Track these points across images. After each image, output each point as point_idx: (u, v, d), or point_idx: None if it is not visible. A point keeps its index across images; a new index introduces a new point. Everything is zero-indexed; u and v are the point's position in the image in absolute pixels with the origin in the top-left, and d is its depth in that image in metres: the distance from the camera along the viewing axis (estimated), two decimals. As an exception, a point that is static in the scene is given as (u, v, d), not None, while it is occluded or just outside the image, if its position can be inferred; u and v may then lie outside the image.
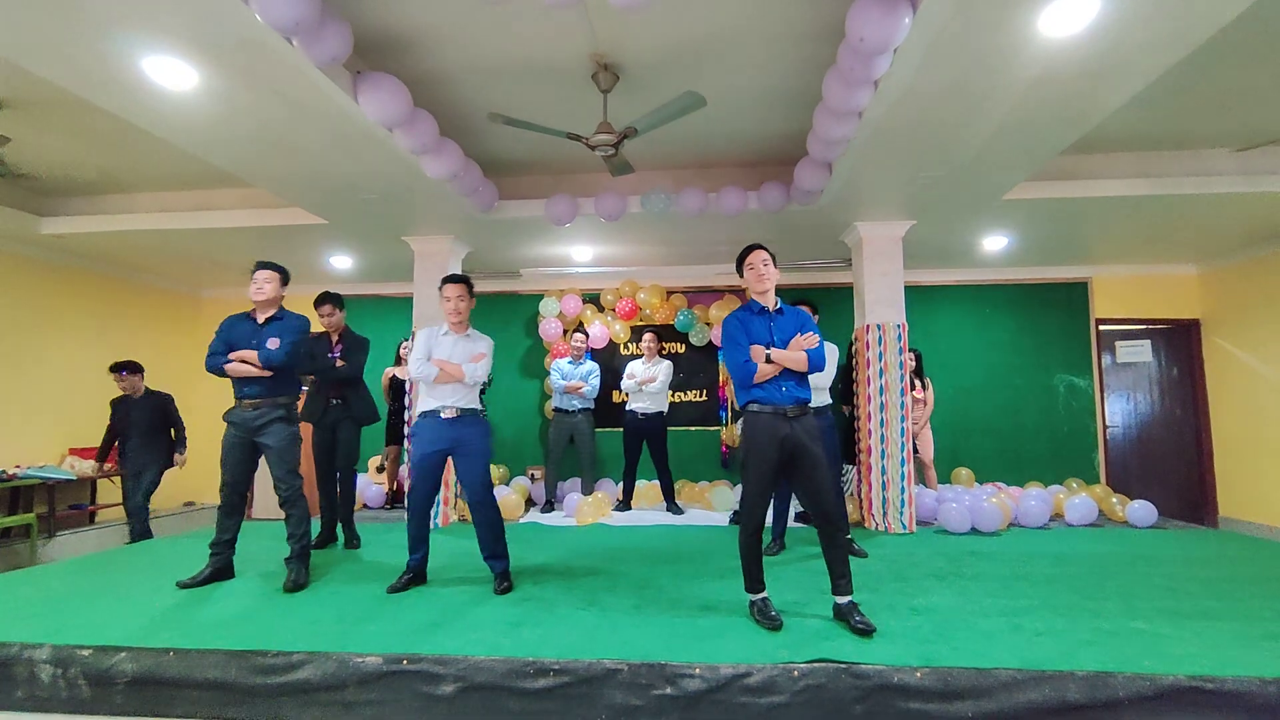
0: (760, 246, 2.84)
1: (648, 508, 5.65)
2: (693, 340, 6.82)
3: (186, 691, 2.27)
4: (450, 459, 3.26)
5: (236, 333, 3.29)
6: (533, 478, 6.53)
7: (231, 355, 3.22)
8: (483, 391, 5.78)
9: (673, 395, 6.50)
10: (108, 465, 5.37)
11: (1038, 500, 4.95)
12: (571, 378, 5.70)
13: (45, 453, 5.77)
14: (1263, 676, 2.07)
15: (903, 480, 4.73)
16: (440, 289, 3.34)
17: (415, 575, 3.22)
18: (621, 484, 5.70)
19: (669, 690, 2.14)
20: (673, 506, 5.47)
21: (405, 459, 5.16)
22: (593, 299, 6.92)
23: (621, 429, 5.71)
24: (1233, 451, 6.20)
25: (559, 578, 3.37)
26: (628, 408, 5.52)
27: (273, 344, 3.24)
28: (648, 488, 5.81)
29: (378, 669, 2.23)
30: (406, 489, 3.45)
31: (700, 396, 6.87)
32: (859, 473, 4.97)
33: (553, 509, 5.64)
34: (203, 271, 6.81)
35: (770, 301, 2.82)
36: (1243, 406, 6.08)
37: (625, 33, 3.17)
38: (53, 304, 5.95)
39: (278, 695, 2.25)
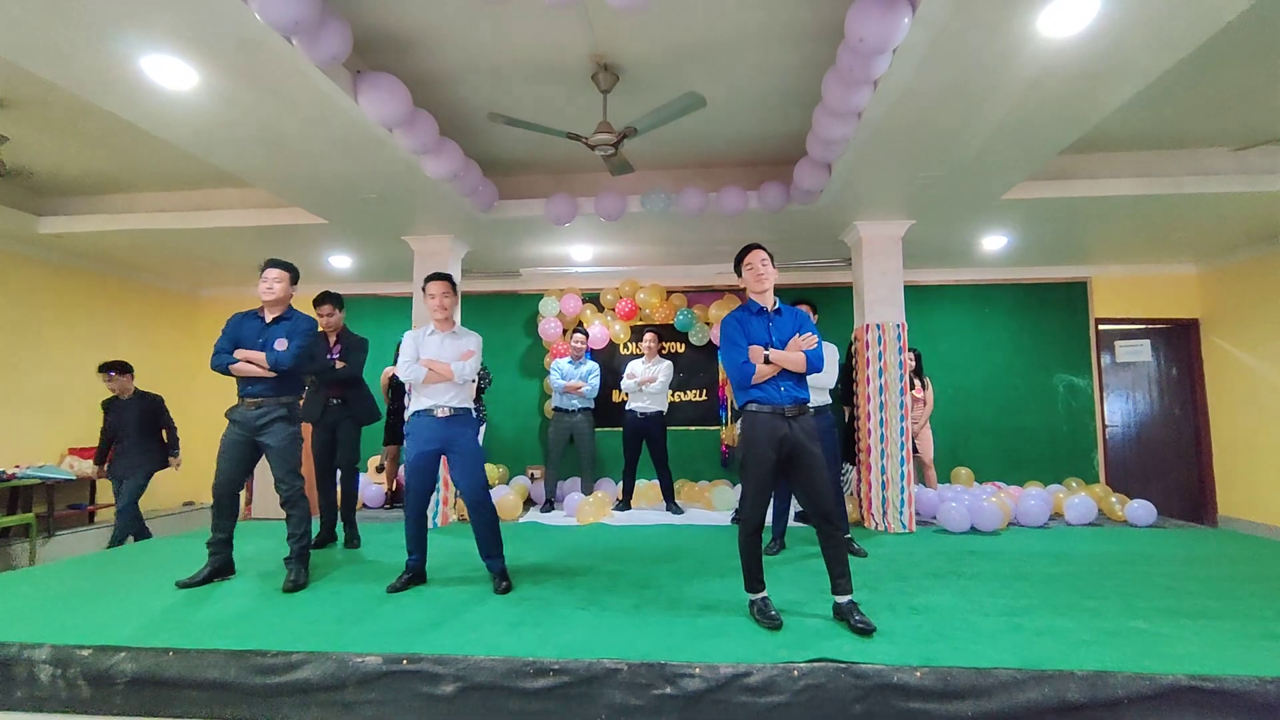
0: (758, 246, 2.84)
1: (647, 507, 5.65)
2: (692, 340, 6.82)
3: (186, 691, 2.27)
4: (445, 458, 3.26)
5: (243, 331, 3.28)
6: (532, 477, 6.53)
7: (238, 355, 3.20)
8: (482, 390, 5.80)
9: (672, 395, 6.51)
10: (103, 470, 5.24)
11: (1037, 500, 4.95)
12: (571, 377, 5.70)
13: (44, 452, 5.77)
14: (1262, 676, 2.07)
15: (902, 480, 4.74)
16: (424, 288, 3.33)
17: (414, 575, 3.22)
18: (621, 483, 5.70)
19: (669, 690, 2.14)
20: (672, 506, 5.47)
21: (404, 458, 5.16)
22: (592, 299, 6.92)
23: (621, 428, 5.71)
24: (1232, 451, 6.21)
25: (559, 577, 3.37)
26: (627, 407, 5.52)
27: (280, 345, 3.23)
28: (647, 487, 5.81)
29: (377, 669, 2.23)
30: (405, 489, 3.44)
31: (700, 396, 6.87)
32: (859, 472, 4.97)
33: (552, 508, 5.63)
34: (202, 271, 6.81)
35: (769, 302, 2.82)
36: (1242, 406, 6.09)
37: (625, 33, 3.17)
38: (52, 303, 5.94)
39: (277, 695, 2.25)
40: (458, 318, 3.58)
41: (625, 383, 5.54)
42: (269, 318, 3.32)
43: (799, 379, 2.73)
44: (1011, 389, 6.62)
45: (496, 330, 6.97)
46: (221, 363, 3.21)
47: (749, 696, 2.12)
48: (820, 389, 3.79)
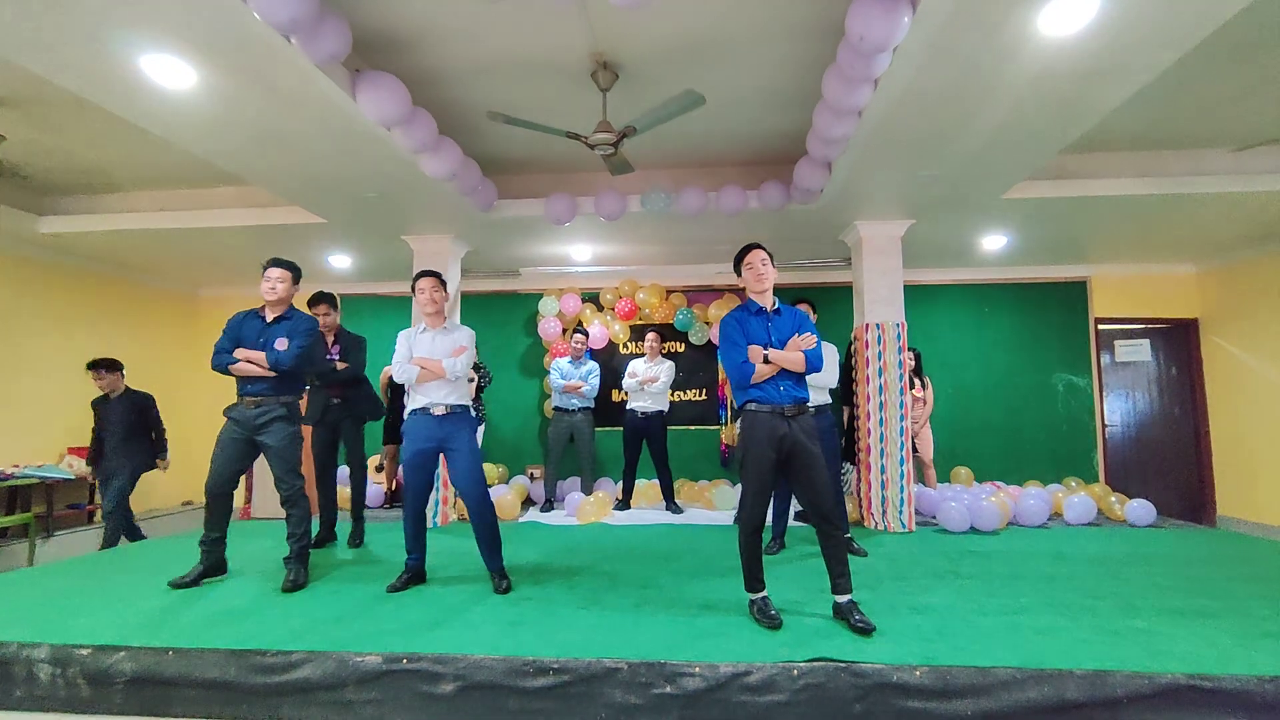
0: (758, 246, 2.84)
1: (647, 507, 5.66)
2: (692, 339, 6.82)
3: (185, 691, 2.27)
4: (444, 457, 3.25)
5: (244, 331, 3.27)
6: (532, 477, 6.53)
7: (238, 354, 3.19)
8: (482, 389, 5.80)
9: (672, 394, 6.50)
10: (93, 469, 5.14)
11: (1037, 499, 4.96)
12: (571, 377, 5.70)
13: (43, 452, 5.76)
14: (1260, 675, 2.08)
15: (902, 479, 4.74)
16: (413, 285, 3.33)
17: (414, 574, 3.22)
18: (621, 483, 5.70)
19: (669, 689, 2.14)
20: (672, 506, 5.48)
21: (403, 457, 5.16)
22: (592, 298, 6.92)
23: (621, 428, 5.71)
24: (1231, 450, 6.21)
25: (559, 577, 3.37)
26: (628, 406, 5.52)
27: (281, 344, 3.22)
28: (647, 487, 5.81)
29: (377, 668, 2.23)
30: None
31: (699, 395, 6.87)
32: (858, 472, 4.97)
33: (552, 508, 5.64)
34: (201, 270, 6.80)
35: (768, 301, 2.82)
36: (1241, 406, 6.09)
37: (624, 31, 3.17)
38: (51, 303, 5.94)
39: (277, 694, 2.25)
40: (456, 316, 3.58)
41: (627, 381, 5.53)
42: (270, 317, 3.31)
43: (798, 378, 2.73)
44: (1011, 388, 6.62)
45: (496, 330, 6.97)
46: (222, 362, 3.20)
47: (749, 695, 2.12)
48: (820, 388, 3.79)
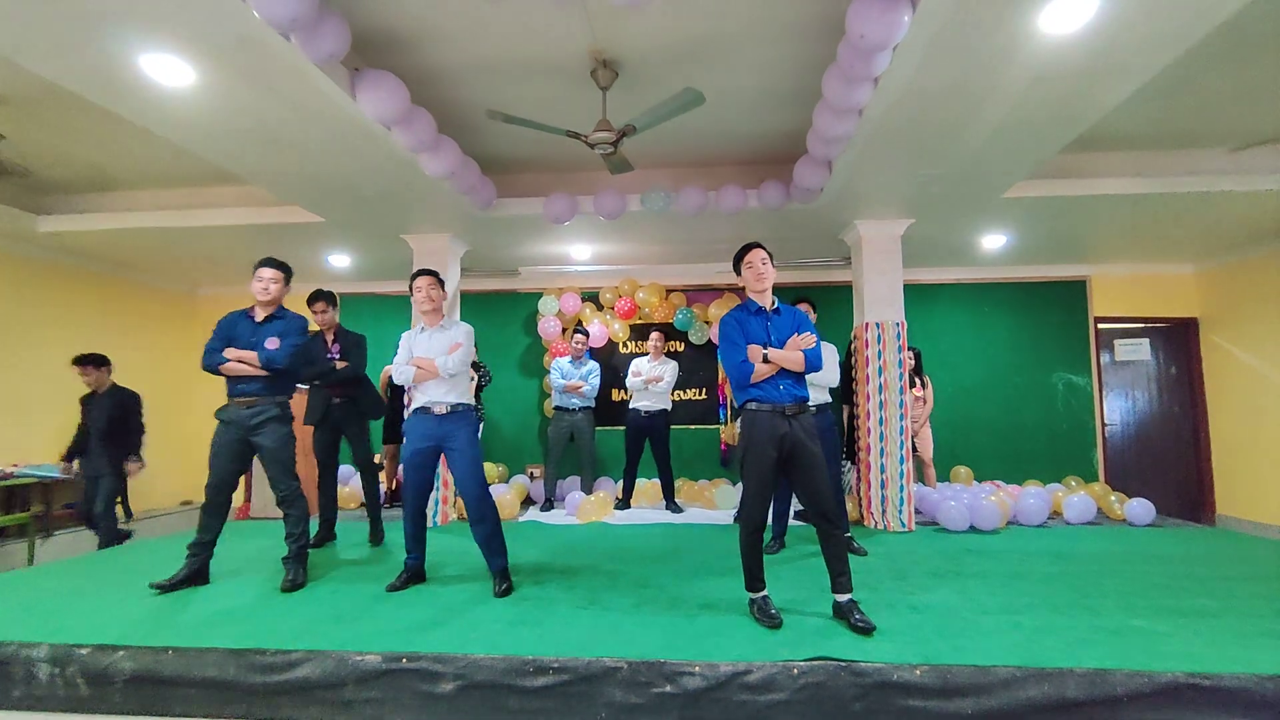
0: (758, 245, 2.84)
1: (647, 506, 5.65)
2: (692, 339, 6.82)
3: (185, 690, 2.27)
4: (445, 457, 3.25)
5: (236, 331, 3.26)
6: (531, 476, 6.53)
7: (228, 354, 3.18)
8: (481, 388, 5.80)
9: (672, 394, 6.49)
10: (74, 467, 4.98)
11: (1036, 498, 4.96)
12: (572, 377, 5.70)
13: (42, 452, 5.75)
14: (1260, 674, 2.08)
15: (902, 478, 4.74)
16: (410, 284, 3.34)
17: (413, 574, 3.22)
18: (621, 482, 5.70)
19: (669, 688, 2.14)
20: (672, 505, 5.47)
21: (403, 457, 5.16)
22: (591, 297, 6.92)
23: (621, 427, 5.70)
24: (1230, 449, 6.21)
25: (559, 576, 3.37)
26: (631, 405, 5.52)
27: (271, 344, 3.21)
28: (647, 486, 5.81)
29: (377, 667, 2.23)
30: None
31: (699, 395, 6.87)
32: (858, 471, 4.97)
33: (552, 507, 5.63)
34: (200, 270, 6.80)
35: (767, 301, 2.82)
36: (1240, 405, 6.09)
37: (624, 30, 3.17)
38: (50, 302, 5.93)
39: (276, 694, 2.24)
40: (456, 314, 3.58)
41: (631, 380, 5.53)
42: (260, 317, 3.30)
43: (798, 377, 2.73)
44: (1011, 388, 6.62)
45: (496, 329, 6.96)
46: (213, 362, 3.18)
47: (749, 694, 2.12)
48: (820, 387, 3.79)
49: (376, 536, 4.22)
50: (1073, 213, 5.00)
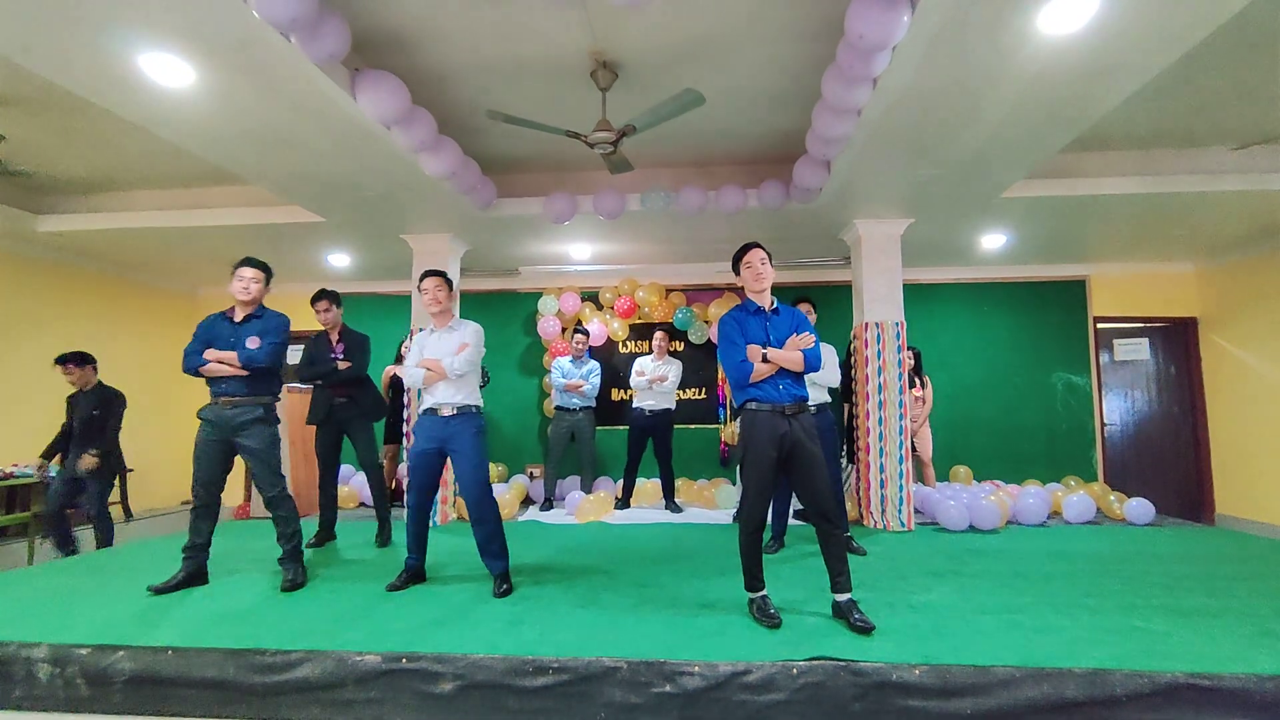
0: (757, 245, 2.84)
1: (647, 506, 5.65)
2: (691, 338, 6.82)
3: (184, 690, 2.27)
4: (449, 458, 3.26)
5: (215, 333, 3.23)
6: (531, 476, 6.53)
7: (208, 355, 3.14)
8: (480, 389, 5.79)
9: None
10: (54, 465, 4.89)
11: (1036, 498, 4.96)
12: (573, 376, 5.70)
13: (42, 452, 5.75)
14: (1260, 674, 2.08)
15: (901, 478, 4.74)
16: (419, 286, 3.35)
17: (414, 574, 3.22)
18: (621, 482, 5.70)
19: (668, 688, 2.14)
20: (672, 505, 5.47)
21: (404, 458, 5.16)
22: (591, 297, 6.92)
23: (624, 426, 5.70)
24: (1230, 449, 6.21)
25: (558, 576, 3.37)
26: (634, 404, 5.52)
27: (252, 343, 3.19)
28: (646, 486, 5.80)
29: (376, 667, 2.23)
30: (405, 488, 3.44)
31: (699, 394, 6.87)
32: (858, 471, 4.97)
33: (552, 507, 5.64)
34: (199, 270, 6.79)
35: (766, 301, 2.82)
36: (1240, 404, 6.09)
37: (624, 30, 3.17)
38: (50, 302, 5.93)
39: (276, 694, 2.24)
40: (457, 311, 3.59)
41: (635, 380, 5.52)
42: (239, 317, 3.27)
43: (797, 377, 2.73)
44: (1010, 387, 6.62)
45: (496, 329, 6.96)
46: (192, 364, 3.15)
47: (748, 694, 2.12)
48: (820, 387, 3.79)
49: (383, 538, 4.21)
50: (1072, 212, 5.00)
